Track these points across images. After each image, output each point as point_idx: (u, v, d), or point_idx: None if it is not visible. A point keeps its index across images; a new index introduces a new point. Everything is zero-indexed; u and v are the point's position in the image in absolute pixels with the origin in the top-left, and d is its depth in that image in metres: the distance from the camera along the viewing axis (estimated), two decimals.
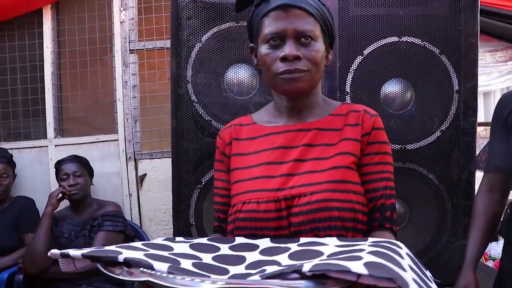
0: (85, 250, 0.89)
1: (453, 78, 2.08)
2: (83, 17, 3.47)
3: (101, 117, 3.50)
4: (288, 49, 1.16)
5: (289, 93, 1.22)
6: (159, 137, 3.36)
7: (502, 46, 4.50)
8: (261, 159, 1.24)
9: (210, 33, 2.02)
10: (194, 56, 2.00)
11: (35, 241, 2.71)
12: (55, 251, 0.92)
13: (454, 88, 2.08)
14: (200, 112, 1.98)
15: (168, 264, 0.84)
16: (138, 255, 0.88)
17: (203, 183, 1.99)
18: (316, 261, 0.82)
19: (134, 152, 3.31)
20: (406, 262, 0.84)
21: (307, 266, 0.77)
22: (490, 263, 3.64)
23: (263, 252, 1.02)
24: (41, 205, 3.01)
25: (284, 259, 0.95)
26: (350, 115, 1.27)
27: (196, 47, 2.01)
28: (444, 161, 2.08)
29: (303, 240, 1.07)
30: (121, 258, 0.86)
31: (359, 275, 0.74)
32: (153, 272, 0.82)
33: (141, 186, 3.29)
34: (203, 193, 1.98)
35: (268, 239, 1.10)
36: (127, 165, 3.30)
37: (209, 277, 0.85)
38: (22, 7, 3.36)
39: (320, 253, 0.93)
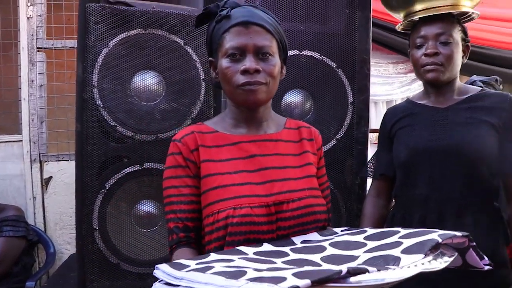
0: (312, 278, 0.83)
1: (348, 91, 2.23)
2: None
3: (3, 117, 3.37)
4: (249, 62, 1.24)
5: (249, 103, 1.28)
6: (67, 138, 3.30)
7: (403, 59, 4.82)
8: (239, 166, 1.29)
9: (118, 39, 2.02)
10: (100, 61, 1.99)
11: None
12: (305, 282, 0.81)
13: (349, 100, 2.23)
14: (106, 117, 1.98)
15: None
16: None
17: (107, 188, 1.99)
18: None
19: (39, 153, 3.22)
20: None
21: (436, 237, 1.02)
22: None
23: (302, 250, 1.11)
24: None
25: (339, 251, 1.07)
26: (302, 130, 1.42)
27: (103, 52, 1.99)
28: (339, 168, 2.23)
29: (295, 239, 1.21)
30: (344, 270, 0.86)
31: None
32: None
33: (46, 189, 3.22)
34: (107, 198, 1.99)
35: (266, 244, 1.17)
36: (31, 167, 3.20)
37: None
38: None
39: (354, 257, 1.02)
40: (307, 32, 2.19)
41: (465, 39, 1.75)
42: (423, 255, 0.96)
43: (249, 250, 1.10)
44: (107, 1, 2.02)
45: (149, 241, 2.05)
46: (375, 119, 4.65)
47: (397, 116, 1.85)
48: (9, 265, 2.74)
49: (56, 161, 3.23)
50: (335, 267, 0.89)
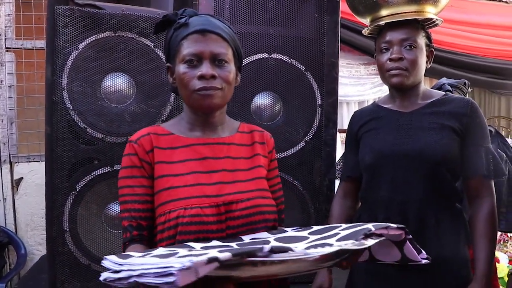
0: (231, 251, 0.90)
1: (316, 94, 2.28)
2: None
3: None
4: (205, 68, 1.29)
5: (205, 108, 1.33)
6: (38, 139, 3.27)
7: (374, 60, 4.90)
8: (191, 168, 1.33)
9: (87, 41, 2.03)
10: (70, 63, 2.00)
11: None
12: (200, 259, 0.86)
13: (317, 103, 2.28)
14: (76, 120, 1.98)
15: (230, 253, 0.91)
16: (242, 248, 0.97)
17: (77, 190, 2.00)
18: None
19: (9, 154, 3.19)
20: None
21: (370, 226, 1.10)
22: None
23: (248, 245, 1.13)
24: None
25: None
26: (254, 133, 1.48)
27: (72, 55, 2.00)
28: (307, 169, 2.28)
29: (245, 238, 1.25)
30: (267, 247, 0.93)
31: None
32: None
33: (17, 190, 3.19)
34: (77, 200, 1.99)
35: (216, 241, 1.21)
36: (1, 169, 3.17)
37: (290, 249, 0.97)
38: None
39: (306, 238, 1.15)
40: (276, 35, 2.24)
41: (429, 45, 1.80)
42: (353, 241, 1.05)
43: (197, 245, 1.14)
44: (76, 4, 2.02)
45: (119, 242, 2.06)
46: (347, 120, 4.72)
47: (364, 119, 1.89)
48: None
49: (27, 162, 3.20)
50: (259, 246, 0.94)
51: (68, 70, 2.00)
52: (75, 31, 2.01)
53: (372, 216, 1.79)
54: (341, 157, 2.11)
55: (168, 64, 1.41)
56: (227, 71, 1.33)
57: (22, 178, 3.19)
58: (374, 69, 5.10)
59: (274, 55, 2.24)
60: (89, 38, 2.04)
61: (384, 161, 1.76)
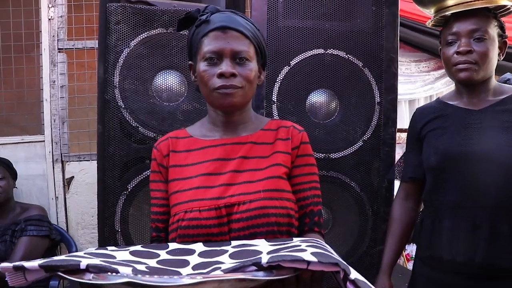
0: (41, 261, 0.89)
1: (375, 91, 2.16)
2: (8, 11, 3.36)
3: (26, 117, 3.39)
4: (225, 66, 1.27)
5: (225, 107, 1.31)
6: (88, 139, 3.29)
7: (425, 57, 4.73)
8: (200, 170, 1.32)
9: (139, 38, 2.00)
10: (122, 61, 1.98)
11: None
12: (6, 264, 0.88)
13: (376, 100, 2.17)
14: (127, 118, 1.96)
15: (131, 267, 0.90)
16: (98, 261, 0.90)
17: (129, 190, 1.97)
18: (266, 255, 0.93)
19: (61, 154, 3.22)
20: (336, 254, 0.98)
21: (264, 258, 0.89)
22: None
23: (202, 255, 1.08)
24: None
25: (226, 259, 1.03)
26: (280, 130, 1.41)
27: (124, 52, 1.98)
28: (365, 170, 2.17)
29: (234, 243, 1.15)
30: (83, 265, 0.86)
31: (309, 263, 0.87)
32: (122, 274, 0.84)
33: (68, 189, 3.21)
34: (129, 200, 1.97)
35: (200, 244, 1.16)
36: (53, 167, 3.20)
37: (180, 274, 0.93)
38: None
39: (258, 252, 1.03)
40: (332, 30, 2.14)
41: (502, 35, 1.66)
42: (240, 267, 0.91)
43: (164, 250, 1.11)
44: (128, 1, 2.00)
45: None
46: (397, 119, 4.56)
47: (427, 117, 1.77)
48: None
49: (78, 161, 3.22)
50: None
51: (120, 68, 1.98)
52: (127, 28, 1.99)
53: (437, 221, 1.67)
54: (401, 156, 2.00)
55: (190, 62, 1.41)
56: (248, 69, 1.31)
57: (73, 177, 3.22)
58: (426, 67, 4.92)
59: (330, 51, 2.14)
60: (141, 35, 2.01)
61: (451, 163, 1.63)
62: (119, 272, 0.86)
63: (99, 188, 1.95)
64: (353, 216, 2.17)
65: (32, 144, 3.26)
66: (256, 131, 1.40)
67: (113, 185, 1.96)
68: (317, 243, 1.05)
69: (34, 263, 0.87)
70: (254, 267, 0.88)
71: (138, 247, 1.11)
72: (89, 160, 3.21)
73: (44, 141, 3.23)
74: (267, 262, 0.87)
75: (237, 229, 1.24)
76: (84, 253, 1.00)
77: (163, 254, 1.08)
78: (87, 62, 3.36)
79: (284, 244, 1.09)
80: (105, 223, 1.97)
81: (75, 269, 0.86)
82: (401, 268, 3.39)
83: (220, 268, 0.96)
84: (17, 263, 0.87)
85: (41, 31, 3.29)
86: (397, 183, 2.02)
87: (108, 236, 1.97)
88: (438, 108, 1.77)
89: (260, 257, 0.90)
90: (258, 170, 1.32)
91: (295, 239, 1.15)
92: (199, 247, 1.14)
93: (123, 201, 1.96)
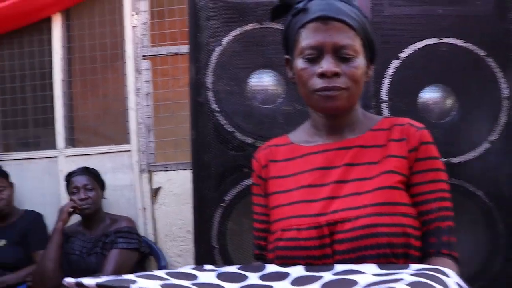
0: (100, 279, 0.89)
1: (501, 83, 1.92)
2: (94, 22, 3.37)
3: (112, 127, 3.38)
4: (326, 64, 1.11)
5: (327, 111, 1.17)
6: (174, 148, 3.23)
7: None
8: (300, 182, 1.19)
9: (232, 35, 1.89)
10: (214, 60, 1.88)
11: (45, 259, 2.64)
12: (69, 279, 0.89)
13: (502, 94, 1.92)
14: (222, 123, 1.85)
15: None
16: (154, 284, 0.88)
17: (226, 201, 1.83)
18: None
19: (147, 163, 3.16)
20: None
21: None
22: None
23: (294, 282, 0.98)
24: (51, 219, 2.94)
25: None
26: (393, 129, 1.20)
27: (216, 51, 1.88)
28: (493, 176, 1.91)
29: (339, 267, 1.00)
30: (134, 287, 0.85)
31: None
32: None
33: (156, 199, 3.14)
34: (227, 213, 1.84)
35: (301, 267, 1.04)
36: (140, 178, 3.15)
37: None
38: (33, 15, 3.28)
39: (354, 283, 0.89)
40: (447, 15, 1.93)
41: None
42: None
43: (258, 273, 1.04)
44: None
45: None
46: None
47: None
48: None
49: (164, 171, 3.16)
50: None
51: (212, 67, 1.87)
52: (218, 24, 1.91)
53: None
54: None
55: (286, 56, 1.25)
56: (354, 67, 1.13)
57: (160, 187, 3.14)
58: None
59: (445, 40, 1.91)
60: (234, 32, 1.91)
61: None
62: None
63: (194, 200, 1.84)
64: (480, 230, 1.92)
65: (118, 154, 3.22)
66: (364, 132, 1.21)
67: (209, 196, 1.83)
68: (431, 275, 0.85)
69: (91, 281, 0.87)
70: None
71: (233, 268, 1.05)
72: (176, 170, 3.13)
73: (130, 150, 3.19)
74: None
75: (342, 252, 1.07)
76: (165, 273, 0.98)
77: (253, 278, 1.01)
78: (171, 68, 3.30)
79: (390, 275, 0.92)
80: (201, 238, 1.82)
81: None
82: None
83: None
84: (79, 280, 0.88)
85: (124, 39, 3.27)
86: None
87: (204, 252, 1.84)
88: None
89: None
90: (366, 179, 1.13)
91: (412, 266, 0.95)
92: (297, 271, 1.02)
93: (220, 214, 1.83)
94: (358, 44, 1.15)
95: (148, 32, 3.27)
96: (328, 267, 1.02)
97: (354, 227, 1.07)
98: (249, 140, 1.86)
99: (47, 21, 3.32)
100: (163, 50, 3.28)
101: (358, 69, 1.14)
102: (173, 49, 3.26)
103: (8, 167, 3.15)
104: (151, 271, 1.04)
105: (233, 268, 1.06)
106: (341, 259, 1.06)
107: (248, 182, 1.83)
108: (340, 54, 1.12)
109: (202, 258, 1.84)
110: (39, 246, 2.84)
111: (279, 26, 1.87)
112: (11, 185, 3.08)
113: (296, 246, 1.10)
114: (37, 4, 3.20)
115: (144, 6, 3.24)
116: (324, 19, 1.13)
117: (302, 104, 1.85)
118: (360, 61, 1.15)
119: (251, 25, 1.90)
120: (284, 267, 1.05)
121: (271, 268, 1.05)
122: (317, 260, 1.08)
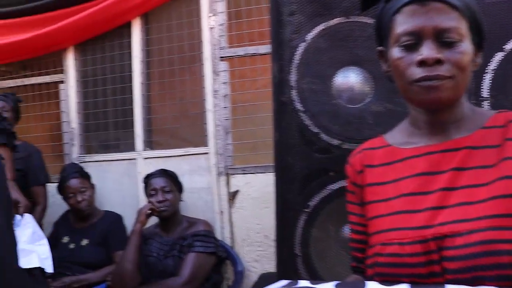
0: None
1: None
2: (171, 24, 3.41)
3: (190, 129, 3.39)
4: (427, 51, 0.99)
5: (429, 104, 1.03)
6: (251, 150, 3.18)
7: None
8: (400, 190, 1.06)
9: (317, 30, 1.80)
10: (298, 58, 1.79)
11: (124, 260, 2.67)
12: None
13: None
14: (307, 123, 1.76)
15: None
16: None
17: (311, 207, 1.73)
18: None
19: (225, 166, 3.13)
20: None
21: None
22: None
23: None
24: (129, 220, 2.99)
25: None
26: (510, 126, 1.03)
27: (300, 48, 1.79)
28: None
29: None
30: None
31: None
32: None
33: (233, 203, 3.10)
34: (311, 219, 1.74)
35: (407, 286, 0.94)
36: (218, 180, 3.12)
37: None
38: (114, 21, 3.37)
39: None
40: None
41: None
42: None
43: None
44: None
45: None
46: None
47: None
48: (201, 282, 2.69)
49: (242, 174, 3.12)
50: None
51: (296, 65, 1.78)
52: (302, 19, 1.83)
53: None
54: None
55: (379, 47, 1.14)
56: (459, 52, 0.99)
57: (238, 191, 3.10)
58: None
59: None
60: (318, 27, 1.82)
61: None
62: None
63: (277, 204, 1.75)
64: None
65: (196, 156, 3.23)
66: (474, 130, 1.05)
67: (292, 200, 1.73)
68: None
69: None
70: None
71: (330, 285, 0.96)
72: (254, 173, 3.08)
73: (208, 153, 3.18)
74: None
75: (454, 271, 0.93)
76: None
77: None
78: (249, 69, 3.26)
79: None
80: (283, 244, 1.73)
81: None
82: None
83: None
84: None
85: (202, 41, 3.27)
86: None
87: (286, 260, 1.75)
88: None
89: None
90: (479, 186, 0.98)
91: None
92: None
93: (304, 220, 1.73)
94: (464, 26, 1.01)
95: (226, 33, 3.26)
96: (438, 286, 0.93)
97: (468, 243, 0.93)
98: (335, 141, 1.76)
99: (127, 26, 3.40)
100: (240, 51, 3.26)
101: (464, 55, 1.00)
102: (251, 49, 3.23)
103: (89, 169, 3.25)
104: None
105: (330, 286, 0.97)
106: (452, 279, 0.93)
107: (334, 186, 1.76)
108: (443, 39, 0.99)
109: (283, 266, 1.75)
110: (119, 247, 2.90)
111: (367, 19, 1.78)
112: (92, 186, 3.16)
113: (398, 262, 0.99)
114: (118, 10, 3.28)
115: (222, 7, 3.24)
116: (422, 0, 1.01)
117: (393, 104, 1.74)
118: (466, 46, 1.01)
119: (337, 19, 1.80)
120: (387, 285, 0.95)
121: (372, 285, 0.96)
122: (424, 278, 0.96)
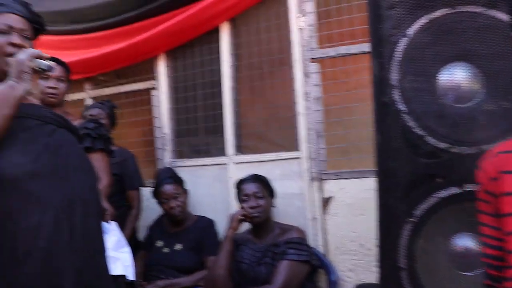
0: None
1: None
2: (260, 27, 3.37)
3: (281, 133, 3.32)
4: None
5: None
6: (345, 154, 3.06)
7: None
8: None
9: (419, 24, 1.67)
10: (399, 54, 1.66)
11: (216, 266, 2.69)
12: None
13: None
14: (411, 125, 1.62)
15: None
16: None
17: (416, 216, 1.58)
18: None
19: (318, 171, 3.02)
20: None
21: None
22: None
23: None
24: (221, 225, 3.02)
25: None
26: None
27: (401, 43, 1.67)
28: None
29: None
30: None
31: None
32: None
33: (327, 209, 2.98)
34: (417, 229, 1.59)
35: None
36: (311, 186, 3.02)
37: None
38: (203, 26, 3.40)
39: None
40: None
41: None
42: None
43: None
44: None
45: None
46: None
47: None
48: None
49: (336, 179, 3.00)
50: None
51: (398, 63, 1.65)
52: (403, 13, 1.70)
53: None
54: None
55: None
56: None
57: (331, 196, 2.98)
58: None
59: None
60: (421, 20, 1.68)
61: None
62: None
63: (380, 213, 1.63)
64: None
65: (288, 161, 3.15)
66: None
67: (395, 209, 1.60)
68: None
69: None
70: None
71: None
72: (348, 178, 2.95)
73: (300, 157, 3.09)
74: None
75: None
76: None
77: None
78: (340, 70, 3.14)
79: None
80: (385, 256, 1.60)
81: None
82: None
83: None
84: None
85: (291, 43, 3.20)
86: None
87: (389, 273, 1.61)
88: None
89: None
90: None
91: None
92: None
93: (409, 230, 1.59)
94: None
95: (316, 34, 3.17)
96: None
97: None
98: (442, 145, 1.61)
99: (216, 31, 3.42)
100: (331, 51, 3.15)
101: None
102: (342, 49, 3.12)
103: (181, 174, 3.28)
104: None
105: None
106: None
107: (442, 194, 1.61)
108: None
109: (386, 279, 1.62)
110: (211, 252, 2.90)
111: (476, 8, 1.61)
112: (185, 191, 3.18)
113: None
114: (206, 15, 3.30)
115: (310, 7, 3.16)
116: None
117: (508, 101, 1.56)
118: None
119: (441, 10, 1.66)
120: None
121: None
122: None
